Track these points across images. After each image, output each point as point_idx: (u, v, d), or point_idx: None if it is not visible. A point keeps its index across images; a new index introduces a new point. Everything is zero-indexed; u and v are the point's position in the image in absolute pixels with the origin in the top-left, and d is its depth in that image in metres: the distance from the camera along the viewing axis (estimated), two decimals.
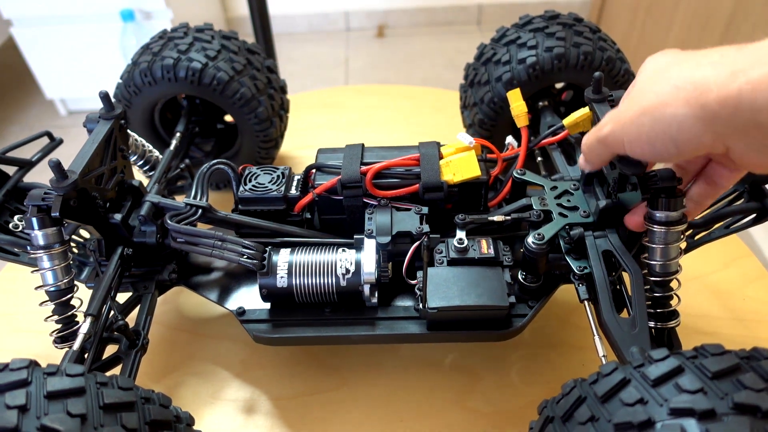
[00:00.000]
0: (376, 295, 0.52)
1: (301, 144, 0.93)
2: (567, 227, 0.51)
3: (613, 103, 0.55)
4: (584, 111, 0.58)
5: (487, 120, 0.70)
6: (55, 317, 0.49)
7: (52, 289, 0.48)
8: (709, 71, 0.33)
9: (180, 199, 0.57)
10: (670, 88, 0.35)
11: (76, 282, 0.51)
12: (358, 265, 0.51)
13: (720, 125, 0.33)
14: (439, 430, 0.54)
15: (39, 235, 0.47)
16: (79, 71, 2.07)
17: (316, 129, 0.99)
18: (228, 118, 0.81)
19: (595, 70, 0.64)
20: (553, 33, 0.66)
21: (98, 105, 0.54)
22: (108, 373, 0.42)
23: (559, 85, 0.73)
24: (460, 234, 0.52)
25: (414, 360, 0.60)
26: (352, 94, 1.10)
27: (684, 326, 0.47)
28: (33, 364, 0.33)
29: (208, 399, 0.57)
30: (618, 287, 0.48)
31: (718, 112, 0.32)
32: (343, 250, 0.53)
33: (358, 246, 0.53)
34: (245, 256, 0.51)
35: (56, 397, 0.31)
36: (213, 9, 2.55)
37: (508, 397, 0.56)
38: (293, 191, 0.57)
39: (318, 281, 0.51)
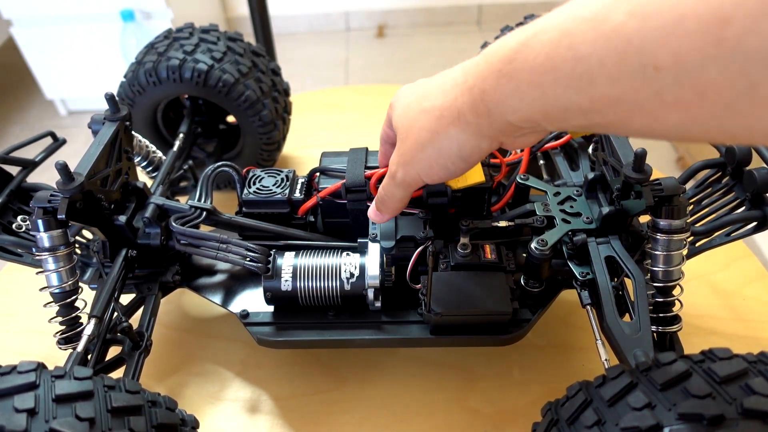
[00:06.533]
0: (380, 299, 0.52)
1: (300, 144, 0.93)
2: (570, 233, 0.51)
3: None
4: None
5: None
6: (60, 318, 0.49)
7: (57, 290, 0.48)
8: (450, 97, 0.38)
9: (183, 201, 0.57)
10: (433, 119, 0.39)
11: (79, 283, 0.51)
12: (362, 269, 0.51)
13: (486, 130, 0.37)
14: (439, 430, 0.54)
15: (44, 237, 0.47)
16: (79, 71, 2.06)
17: (315, 129, 0.99)
18: (231, 118, 0.81)
19: None
20: None
21: (98, 105, 0.54)
22: (111, 375, 0.43)
23: None
24: (464, 239, 0.52)
25: (414, 360, 0.60)
26: (352, 94, 1.09)
27: (684, 325, 0.48)
28: (41, 367, 0.33)
29: (210, 399, 0.57)
30: (620, 293, 0.49)
31: (478, 123, 0.36)
32: (348, 254, 0.53)
33: (362, 250, 0.53)
34: (249, 259, 0.51)
35: (65, 400, 0.31)
36: (213, 9, 2.54)
37: (509, 397, 0.56)
38: (297, 194, 0.57)
39: (322, 285, 0.51)
